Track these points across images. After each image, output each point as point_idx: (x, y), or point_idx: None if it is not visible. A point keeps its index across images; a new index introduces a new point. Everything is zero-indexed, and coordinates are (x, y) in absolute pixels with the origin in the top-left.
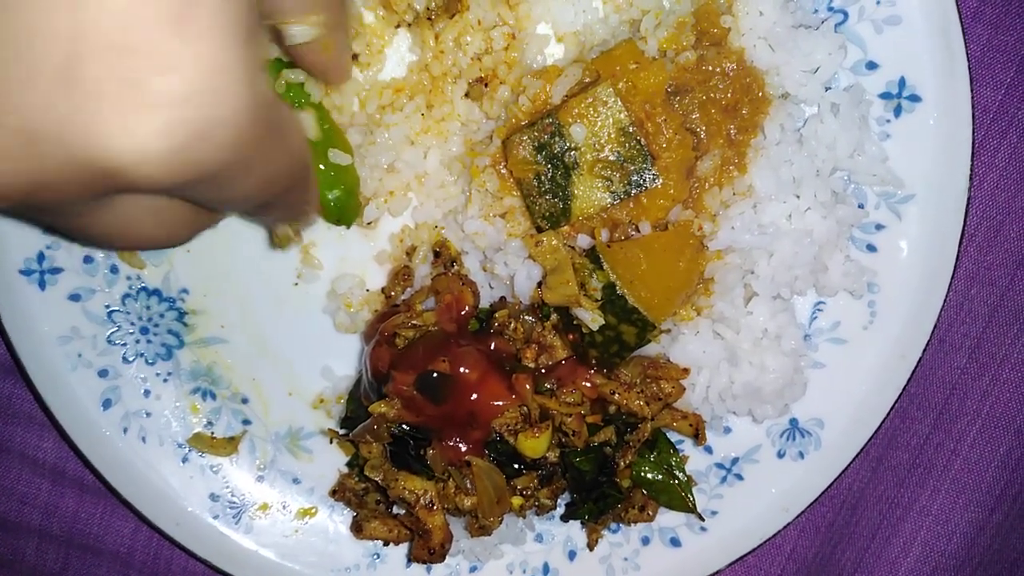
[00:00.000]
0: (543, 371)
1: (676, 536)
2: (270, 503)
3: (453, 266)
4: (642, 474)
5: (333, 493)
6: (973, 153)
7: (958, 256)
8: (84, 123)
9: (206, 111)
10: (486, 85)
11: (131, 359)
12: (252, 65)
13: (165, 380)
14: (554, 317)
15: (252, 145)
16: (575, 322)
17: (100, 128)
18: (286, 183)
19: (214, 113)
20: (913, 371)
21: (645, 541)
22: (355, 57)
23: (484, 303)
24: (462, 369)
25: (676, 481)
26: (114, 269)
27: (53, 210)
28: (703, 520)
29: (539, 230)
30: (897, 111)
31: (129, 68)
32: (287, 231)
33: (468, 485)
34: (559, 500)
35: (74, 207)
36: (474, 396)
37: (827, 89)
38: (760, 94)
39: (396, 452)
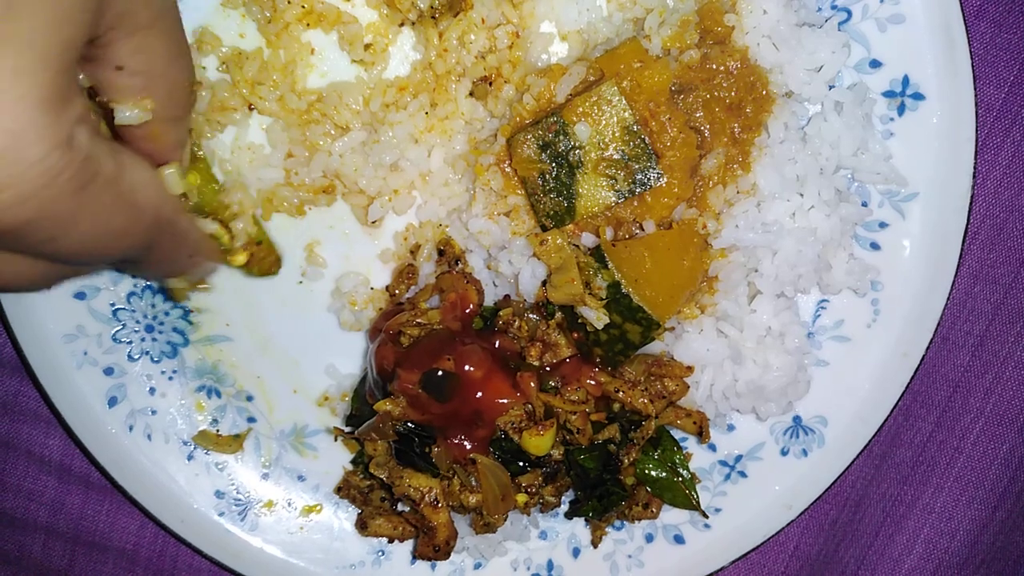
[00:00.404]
0: (547, 369)
1: (680, 533)
2: (275, 500)
3: (457, 264)
4: (646, 471)
5: (338, 490)
6: (976, 151)
7: (961, 254)
8: None
9: None
10: (490, 84)
11: (136, 357)
12: (56, 130)
13: (170, 378)
14: (558, 315)
15: (61, 204)
16: (580, 320)
17: None
18: (138, 239)
19: (3, 173)
20: (916, 369)
21: (649, 538)
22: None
23: (488, 301)
24: (467, 367)
25: (680, 478)
26: None
27: None
28: (707, 517)
29: (543, 228)
30: (900, 109)
31: None
32: (177, 284)
33: (473, 482)
34: (563, 497)
35: None
36: (479, 394)
37: (831, 87)
38: (764, 92)
39: (401, 450)
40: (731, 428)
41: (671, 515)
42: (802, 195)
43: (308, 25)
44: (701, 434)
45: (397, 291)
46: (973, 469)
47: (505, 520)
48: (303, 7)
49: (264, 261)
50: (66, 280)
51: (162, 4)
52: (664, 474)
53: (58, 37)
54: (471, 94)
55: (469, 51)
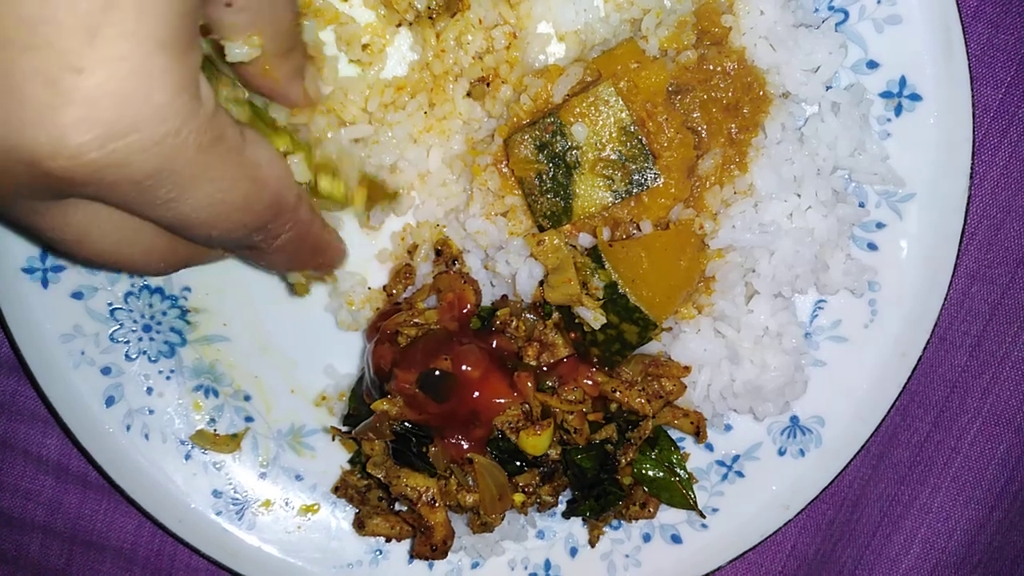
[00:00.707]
0: (545, 369)
1: (677, 533)
2: (273, 500)
3: (455, 264)
4: (643, 471)
5: (335, 490)
6: (973, 152)
7: (958, 254)
8: (5, 114)
9: (121, 112)
10: (488, 85)
11: (134, 357)
12: (182, 75)
13: (168, 378)
14: (556, 315)
15: (186, 157)
16: (577, 320)
17: (20, 119)
18: (257, 217)
19: (130, 115)
20: (914, 369)
21: (646, 538)
22: (364, 45)
23: (486, 301)
24: (464, 367)
25: (677, 478)
26: None
27: (3, 206)
28: (704, 517)
29: (541, 229)
30: (898, 110)
31: (42, 65)
32: (297, 279)
33: (470, 482)
34: (560, 497)
35: (21, 203)
36: (476, 394)
37: (828, 88)
38: (761, 93)
39: (398, 449)
40: (728, 428)
41: (668, 515)
42: (799, 195)
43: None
44: (698, 434)
45: (394, 291)
46: (970, 469)
47: (502, 520)
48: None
49: (381, 191)
50: (185, 265)
51: None
52: (661, 474)
53: None
54: (468, 95)
55: (466, 52)
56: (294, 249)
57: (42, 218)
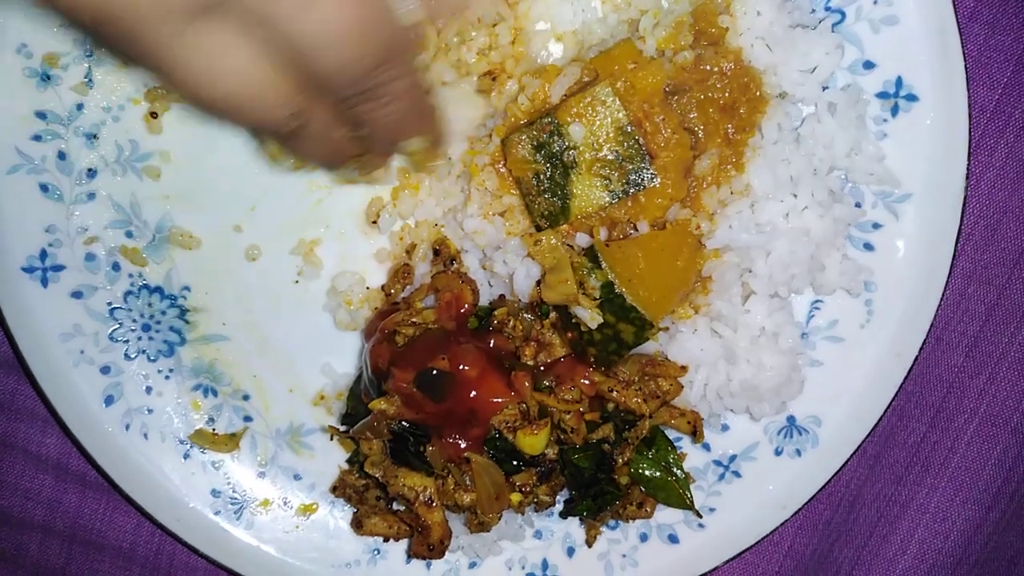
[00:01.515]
0: (542, 368)
1: (674, 533)
2: (271, 499)
3: (453, 264)
4: (640, 471)
5: (333, 489)
6: (970, 152)
7: (955, 254)
8: None
9: None
10: (494, 79)
11: (133, 356)
12: None
13: (167, 377)
14: (553, 315)
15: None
16: (574, 320)
17: None
18: (379, 47)
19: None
20: (910, 369)
21: (643, 538)
22: None
23: (483, 301)
24: (461, 366)
25: (674, 478)
26: (116, 267)
27: (136, 32)
28: (701, 517)
29: (538, 229)
30: (894, 110)
31: None
32: (416, 145)
33: (467, 482)
34: (558, 497)
35: (159, 26)
36: (473, 393)
37: (824, 88)
38: (758, 93)
39: (396, 449)
40: (725, 428)
41: (665, 515)
42: (796, 196)
43: None
44: (695, 434)
45: (392, 290)
46: (967, 470)
47: (500, 519)
48: None
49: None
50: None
51: None
52: (658, 474)
53: None
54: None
55: (469, 49)
56: (409, 101)
57: (177, 44)
